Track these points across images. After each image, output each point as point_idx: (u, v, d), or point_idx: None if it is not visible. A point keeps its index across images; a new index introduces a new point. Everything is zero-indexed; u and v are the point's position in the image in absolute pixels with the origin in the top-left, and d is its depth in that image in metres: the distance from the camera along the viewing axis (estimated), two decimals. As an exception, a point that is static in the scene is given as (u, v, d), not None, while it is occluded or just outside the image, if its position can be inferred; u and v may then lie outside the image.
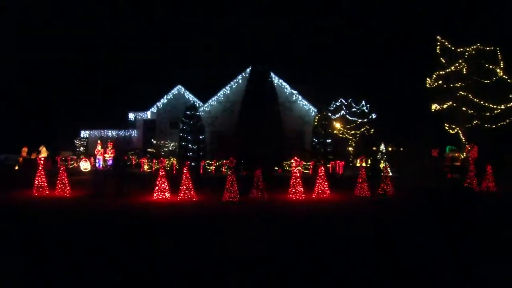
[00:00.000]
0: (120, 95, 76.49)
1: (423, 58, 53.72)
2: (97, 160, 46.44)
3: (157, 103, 60.88)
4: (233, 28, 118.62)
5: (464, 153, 43.06)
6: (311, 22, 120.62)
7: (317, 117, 48.07)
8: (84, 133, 62.80)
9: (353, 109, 60.84)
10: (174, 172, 41.13)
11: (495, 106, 42.17)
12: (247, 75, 47.66)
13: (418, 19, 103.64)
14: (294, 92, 52.31)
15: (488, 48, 42.95)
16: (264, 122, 40.91)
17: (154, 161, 44.39)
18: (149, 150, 53.27)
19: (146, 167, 44.47)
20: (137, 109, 63.54)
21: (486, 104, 42.05)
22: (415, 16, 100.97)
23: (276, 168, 41.91)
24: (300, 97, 52.28)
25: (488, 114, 42.73)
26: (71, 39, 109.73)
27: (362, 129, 61.63)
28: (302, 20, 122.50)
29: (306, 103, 52.27)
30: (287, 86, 52.22)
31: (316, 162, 43.03)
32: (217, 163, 42.88)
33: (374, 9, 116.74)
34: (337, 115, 58.95)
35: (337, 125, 57.99)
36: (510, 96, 42.29)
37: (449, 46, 43.75)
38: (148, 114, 62.36)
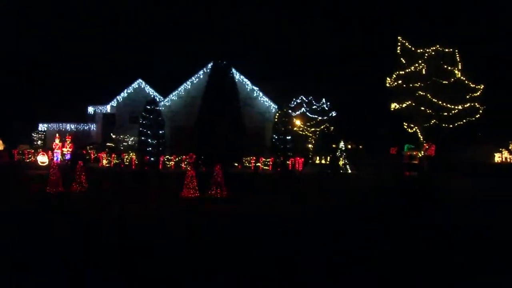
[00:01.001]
0: (80, 88, 75.66)
1: (384, 58, 54.39)
2: (55, 154, 45.84)
3: (117, 97, 60.14)
4: (196, 24, 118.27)
5: (422, 152, 43.80)
6: (273, 19, 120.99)
7: (277, 114, 48.35)
8: (42, 126, 61.75)
9: (314, 107, 61.37)
10: (133, 167, 40.93)
11: (452, 106, 42.92)
12: (208, 70, 47.55)
13: (379, 19, 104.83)
14: (255, 88, 52.38)
15: (447, 50, 43.68)
16: (225, 118, 40.98)
17: (113, 155, 44.08)
18: (108, 144, 52.79)
19: (105, 161, 44.11)
20: (96, 102, 62.75)
21: (444, 104, 42.76)
22: (376, 16, 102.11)
23: (235, 164, 41.99)
24: (261, 94, 52.36)
25: (446, 114, 43.47)
26: (30, 30, 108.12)
27: (322, 127, 62.20)
28: (264, 18, 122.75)
29: (267, 99, 52.37)
30: (248, 82, 52.25)
31: (275, 159, 43.32)
32: (177, 159, 42.75)
33: (337, 8, 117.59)
34: (298, 112, 59.36)
35: (298, 122, 58.38)
36: (467, 97, 43.11)
37: (409, 47, 44.34)
38: (108, 108, 61.67)
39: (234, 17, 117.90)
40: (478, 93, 43.36)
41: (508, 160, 64.76)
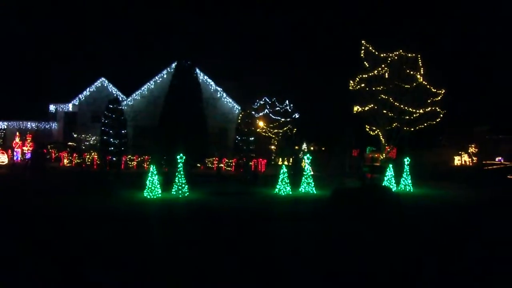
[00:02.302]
0: (41, 86, 74.46)
1: (347, 61, 54.81)
2: (15, 153, 45.16)
3: (79, 95, 59.29)
4: (160, 23, 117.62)
5: (384, 154, 44.25)
6: (238, 20, 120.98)
7: (240, 115, 48.41)
8: (1, 124, 60.73)
9: (277, 108, 61.53)
10: (95, 167, 40.55)
11: (414, 110, 43.41)
12: (172, 70, 47.23)
13: (344, 23, 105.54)
14: (219, 89, 52.35)
15: (410, 55, 44.13)
16: (188, 118, 40.79)
17: (74, 155, 43.59)
18: (69, 143, 52.15)
19: (66, 161, 43.59)
20: (58, 100, 61.85)
21: (406, 107, 43.21)
22: (341, 20, 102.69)
23: (198, 165, 41.86)
24: (224, 94, 52.36)
25: (407, 117, 43.95)
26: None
27: (285, 128, 62.43)
28: (229, 18, 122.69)
29: (230, 100, 52.39)
30: (212, 82, 52.19)
31: (238, 160, 43.36)
32: (139, 159, 42.47)
33: (302, 11, 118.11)
34: (261, 114, 59.45)
35: (261, 123, 58.49)
36: (429, 101, 43.64)
37: (373, 51, 44.69)
38: (70, 107, 60.92)
39: (198, 17, 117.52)
40: (439, 98, 43.94)
41: (468, 163, 65.69)
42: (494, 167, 50.86)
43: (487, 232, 15.68)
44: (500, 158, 57.63)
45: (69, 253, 11.36)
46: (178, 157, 22.39)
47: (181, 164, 22.56)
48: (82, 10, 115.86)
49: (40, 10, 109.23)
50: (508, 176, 43.75)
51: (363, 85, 44.65)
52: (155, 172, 22.12)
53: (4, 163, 40.69)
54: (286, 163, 49.57)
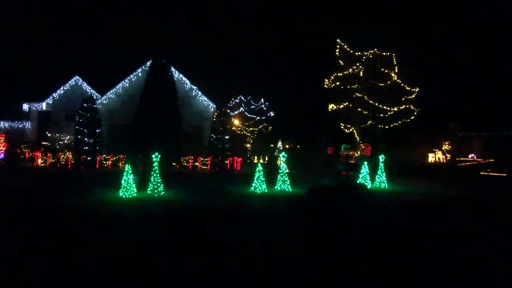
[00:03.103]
0: (14, 84, 73.62)
1: (322, 59, 54.97)
2: (-13, 153, 44.70)
3: (53, 94, 58.64)
4: (135, 21, 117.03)
5: (359, 152, 44.55)
6: (213, 18, 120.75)
7: (216, 113, 48.41)
8: (-26, 123, 60.15)
9: (252, 106, 61.57)
10: (69, 166, 40.29)
11: (388, 108, 43.77)
12: (147, 68, 47.00)
13: (319, 21, 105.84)
14: (194, 87, 52.30)
15: (384, 54, 44.45)
16: (163, 116, 40.68)
17: (48, 155, 43.24)
18: (43, 143, 51.69)
19: (40, 161, 43.22)
20: (32, 99, 61.24)
21: (380, 106, 43.55)
22: (316, 18, 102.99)
23: (173, 163, 41.77)
24: (199, 93, 52.33)
25: (382, 115, 44.31)
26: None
27: (260, 126, 62.50)
28: (204, 16, 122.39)
29: (206, 99, 52.39)
30: (187, 81, 52.13)
31: (214, 158, 43.35)
32: (114, 158, 42.27)
33: (278, 8, 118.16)
34: (236, 112, 59.44)
35: (236, 121, 58.50)
36: (403, 99, 44.03)
37: (348, 49, 44.90)
38: (44, 105, 60.36)
39: (173, 15, 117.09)
40: (413, 96, 44.35)
41: (442, 160, 66.36)
42: (467, 163, 51.55)
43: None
44: (473, 155, 58.44)
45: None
46: (153, 156, 22.39)
47: (156, 163, 22.55)
48: (55, 8, 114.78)
49: (13, 8, 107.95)
50: (481, 173, 44.37)
51: (338, 83, 44.93)
52: (130, 172, 22.08)
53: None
54: (261, 161, 49.75)
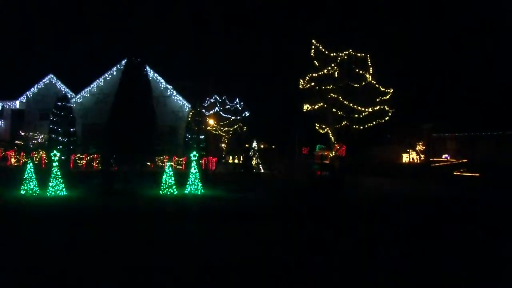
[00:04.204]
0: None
1: (298, 60, 55.14)
2: (-42, 153, 44.15)
3: (27, 92, 58.23)
4: (110, 20, 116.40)
5: (333, 152, 44.79)
6: (189, 18, 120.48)
7: (191, 113, 48.39)
8: None
9: (227, 106, 61.65)
10: (43, 166, 39.96)
11: (363, 109, 44.08)
12: (122, 67, 46.74)
13: (295, 22, 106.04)
14: (169, 86, 52.21)
15: (359, 55, 44.73)
16: (137, 116, 40.50)
17: (22, 154, 42.81)
18: (17, 142, 51.18)
19: (13, 160, 42.77)
20: (5, 97, 60.56)
21: (355, 106, 43.85)
22: (293, 19, 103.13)
23: (148, 163, 41.60)
24: (174, 92, 52.24)
25: (357, 116, 44.61)
26: None
27: (235, 126, 62.60)
28: (180, 15, 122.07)
29: (181, 98, 52.31)
30: (162, 80, 52.03)
31: (188, 158, 43.29)
32: (88, 157, 41.99)
33: (253, 8, 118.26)
34: (211, 112, 59.48)
35: (211, 121, 58.53)
36: (377, 100, 44.37)
37: (323, 50, 45.08)
38: (17, 104, 59.76)
39: (149, 14, 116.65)
40: (388, 97, 44.68)
41: (416, 160, 66.80)
42: (441, 164, 52.01)
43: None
44: (446, 155, 58.89)
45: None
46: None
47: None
48: (30, 6, 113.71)
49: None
50: (455, 173, 44.84)
51: (313, 84, 45.11)
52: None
53: None
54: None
